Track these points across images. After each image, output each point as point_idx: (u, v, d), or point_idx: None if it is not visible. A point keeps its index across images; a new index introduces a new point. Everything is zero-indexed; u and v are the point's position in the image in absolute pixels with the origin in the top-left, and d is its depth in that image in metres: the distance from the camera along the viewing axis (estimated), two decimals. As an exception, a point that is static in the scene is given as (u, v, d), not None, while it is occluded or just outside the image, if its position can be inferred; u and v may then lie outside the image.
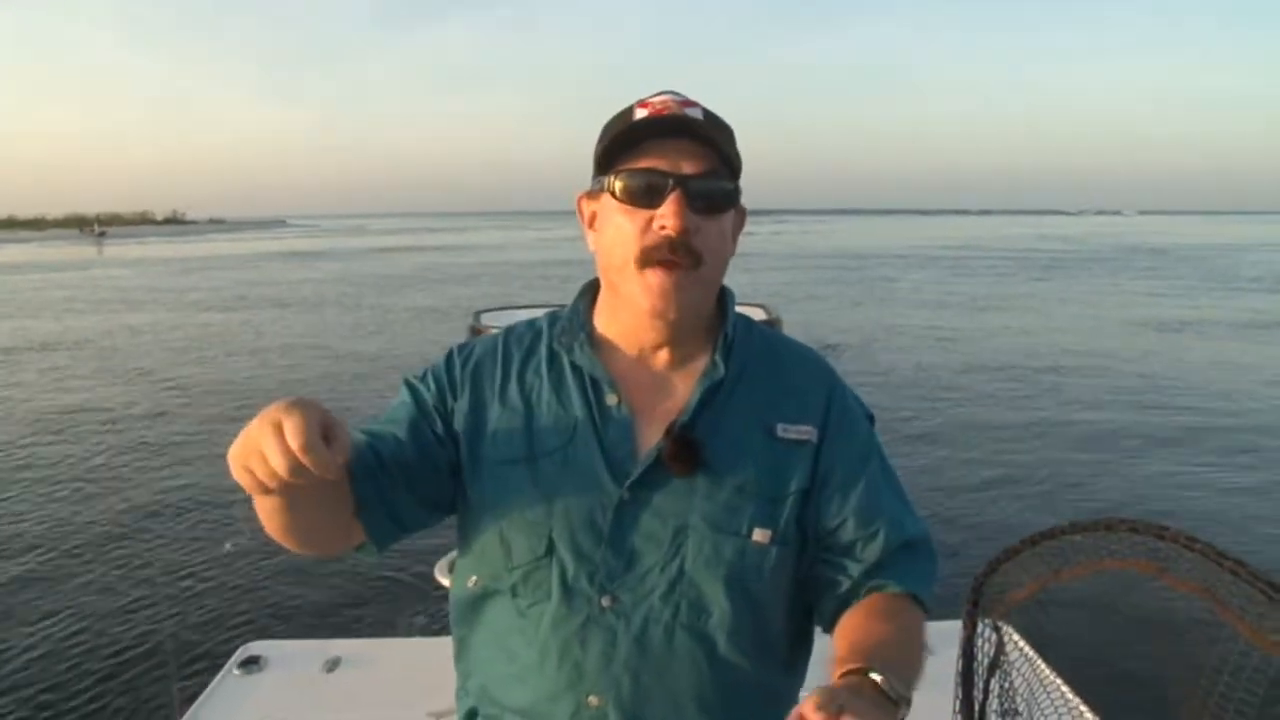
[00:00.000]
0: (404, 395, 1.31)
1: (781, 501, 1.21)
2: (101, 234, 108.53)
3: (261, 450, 0.92)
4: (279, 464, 0.91)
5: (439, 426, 1.27)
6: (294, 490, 0.96)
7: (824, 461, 1.24)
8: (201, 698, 2.75)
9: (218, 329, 20.96)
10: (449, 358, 1.33)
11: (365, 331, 20.19)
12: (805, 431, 1.24)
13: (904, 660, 1.09)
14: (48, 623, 6.01)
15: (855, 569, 1.24)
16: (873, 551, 1.23)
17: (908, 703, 1.00)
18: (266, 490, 0.96)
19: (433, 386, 1.30)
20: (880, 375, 14.90)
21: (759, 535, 1.19)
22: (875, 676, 0.99)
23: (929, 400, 12.99)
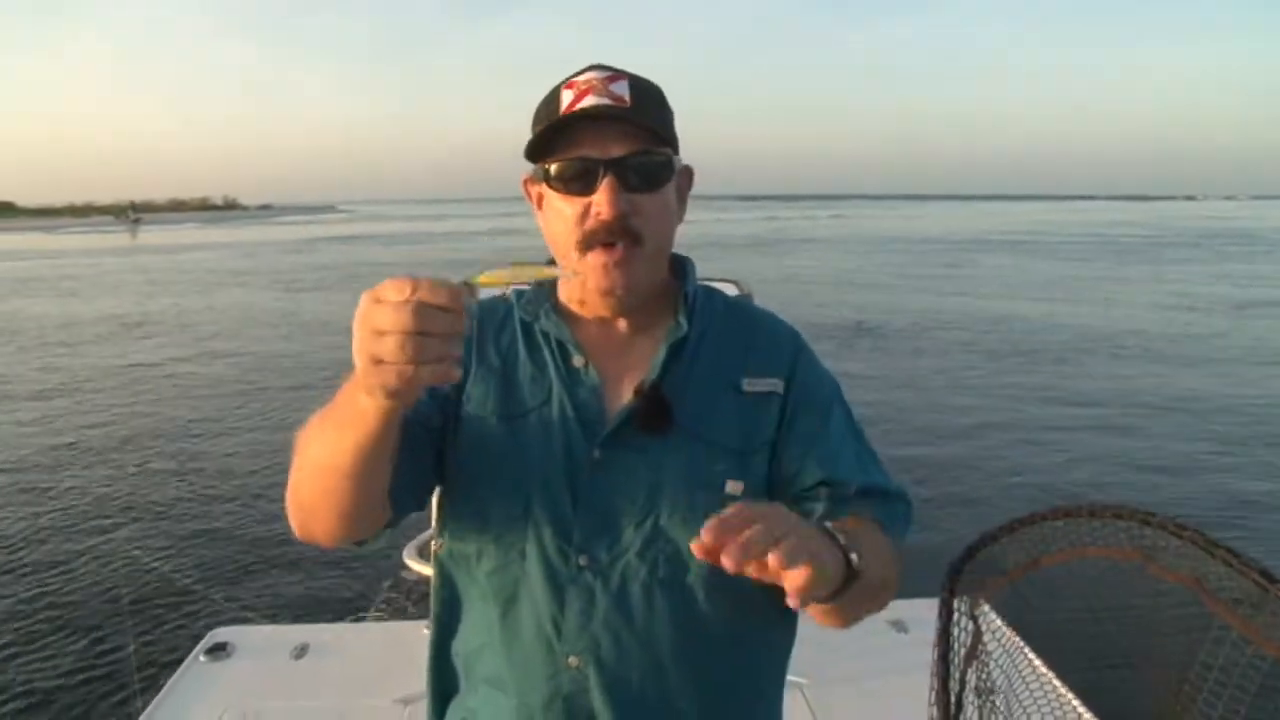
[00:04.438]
0: None
1: (752, 454, 1.24)
2: (136, 220, 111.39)
3: (376, 328, 0.87)
4: (401, 318, 0.86)
5: (426, 395, 1.25)
6: (403, 393, 0.91)
7: (789, 411, 1.27)
8: (168, 685, 2.80)
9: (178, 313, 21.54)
10: None
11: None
12: (772, 384, 1.28)
13: (867, 544, 1.07)
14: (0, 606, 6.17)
15: (818, 507, 1.23)
16: (836, 490, 1.24)
17: (860, 568, 1.02)
18: (408, 370, 0.87)
19: None
20: (912, 355, 15.32)
21: (732, 487, 1.22)
22: (828, 524, 1.04)
23: (954, 382, 13.26)
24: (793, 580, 0.88)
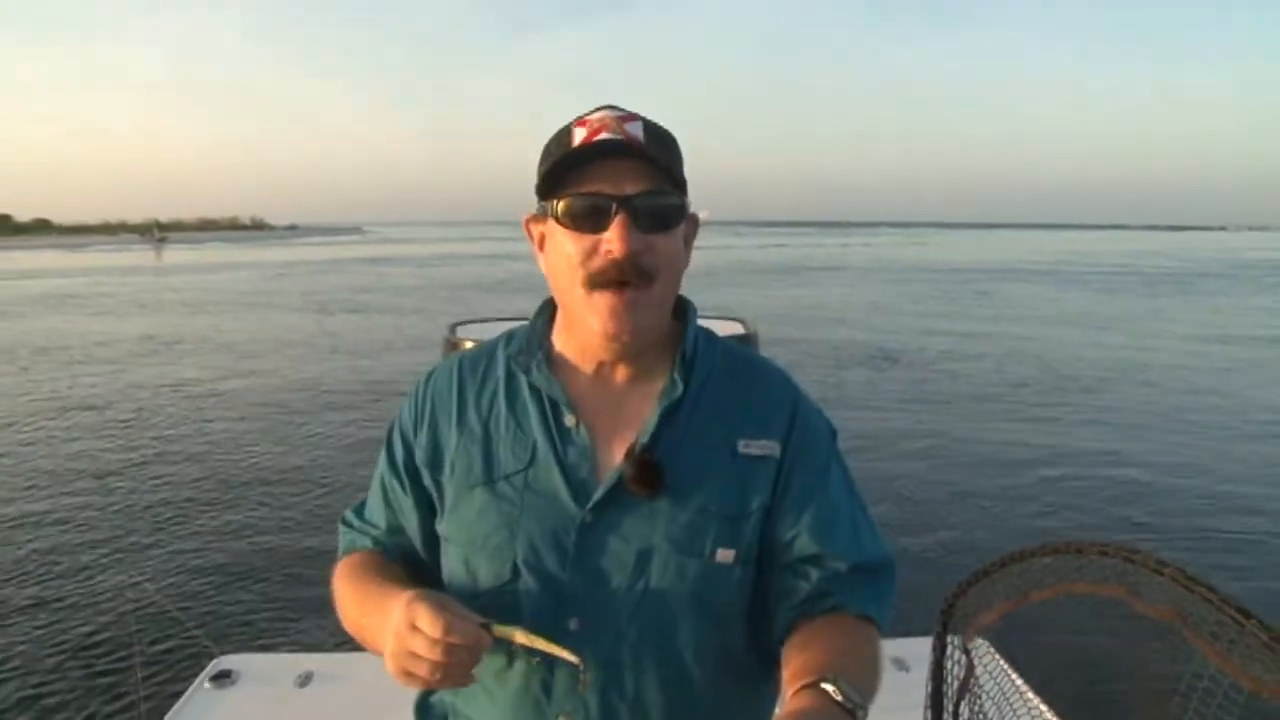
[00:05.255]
0: (382, 463, 1.40)
1: (744, 520, 1.24)
2: (162, 239, 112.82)
3: (411, 651, 1.07)
4: (433, 653, 1.06)
5: (409, 485, 1.36)
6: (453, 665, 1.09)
7: (784, 475, 1.27)
8: (172, 712, 2.81)
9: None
10: (412, 397, 1.40)
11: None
12: (767, 447, 1.27)
13: (857, 671, 1.11)
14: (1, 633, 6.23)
15: (808, 584, 1.25)
16: (828, 566, 1.25)
17: (864, 709, 1.05)
18: (436, 682, 1.09)
19: (400, 444, 1.38)
20: (936, 385, 15.45)
21: (722, 555, 1.22)
22: (827, 686, 1.04)
23: (975, 413, 13.37)
24: None
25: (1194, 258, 71.62)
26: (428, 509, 1.35)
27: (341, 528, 1.45)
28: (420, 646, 1.06)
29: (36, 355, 18.90)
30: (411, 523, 1.36)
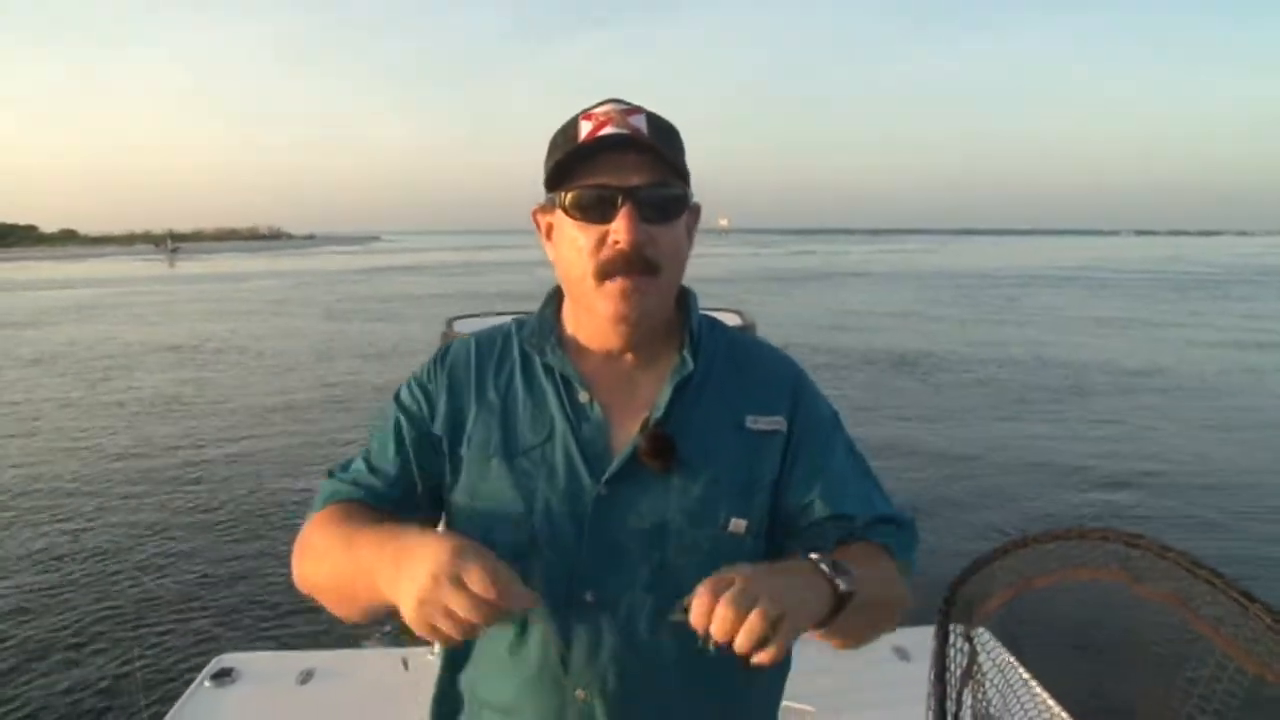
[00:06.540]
0: (394, 413, 1.38)
1: (754, 491, 1.28)
2: (174, 250, 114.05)
3: (447, 607, 0.99)
4: (476, 615, 0.98)
5: (427, 440, 1.35)
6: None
7: (791, 448, 1.31)
8: (173, 711, 2.84)
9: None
10: (432, 363, 1.41)
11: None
12: (775, 422, 1.32)
13: (861, 564, 1.14)
14: (3, 627, 6.31)
15: (830, 541, 1.27)
16: (844, 525, 1.28)
17: (851, 587, 1.08)
18: (453, 641, 1.02)
19: (420, 398, 1.37)
20: (954, 387, 15.48)
21: (735, 526, 1.26)
22: (813, 555, 1.09)
23: (992, 414, 13.46)
24: (762, 659, 1.00)
25: (1220, 263, 71.31)
26: (439, 472, 1.33)
27: (324, 482, 1.38)
28: (461, 605, 0.98)
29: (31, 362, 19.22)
30: (429, 469, 1.34)
